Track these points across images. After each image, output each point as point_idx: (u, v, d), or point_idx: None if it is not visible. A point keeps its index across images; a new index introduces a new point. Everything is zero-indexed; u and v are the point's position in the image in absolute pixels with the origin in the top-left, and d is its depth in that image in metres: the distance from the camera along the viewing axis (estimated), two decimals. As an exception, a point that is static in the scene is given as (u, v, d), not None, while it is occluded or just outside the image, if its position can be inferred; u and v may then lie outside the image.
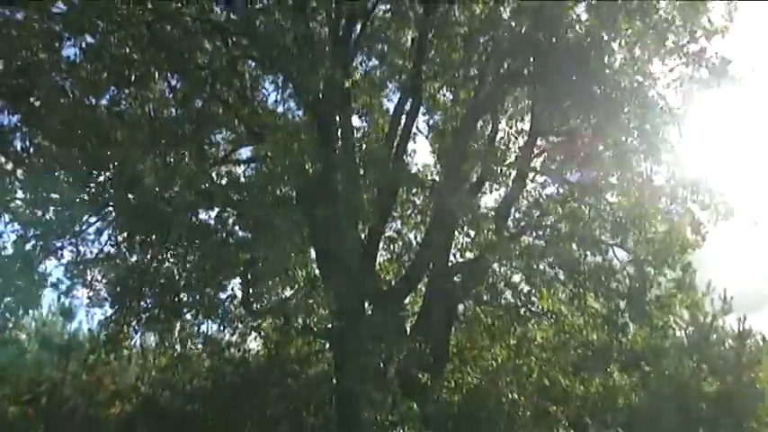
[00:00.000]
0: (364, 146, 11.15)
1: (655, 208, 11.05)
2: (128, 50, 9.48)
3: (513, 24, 10.59)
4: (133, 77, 9.34)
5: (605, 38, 10.02)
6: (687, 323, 14.58)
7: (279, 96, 11.21)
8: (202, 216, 10.71)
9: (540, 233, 11.99)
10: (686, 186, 10.93)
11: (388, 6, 11.26)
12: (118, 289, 11.03)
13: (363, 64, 11.71)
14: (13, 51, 9.16)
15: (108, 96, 9.61)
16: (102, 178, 9.89)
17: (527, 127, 11.85)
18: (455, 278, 11.59)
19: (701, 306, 13.66)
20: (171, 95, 10.32)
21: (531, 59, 10.54)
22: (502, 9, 10.63)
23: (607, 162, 10.91)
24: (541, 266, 11.65)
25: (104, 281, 11.15)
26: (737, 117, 12.00)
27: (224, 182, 10.74)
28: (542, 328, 12.22)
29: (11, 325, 10.66)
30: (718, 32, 10.65)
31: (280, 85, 11.01)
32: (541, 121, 11.49)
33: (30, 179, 9.89)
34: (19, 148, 9.78)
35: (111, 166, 9.56)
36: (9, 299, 9.70)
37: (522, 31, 10.44)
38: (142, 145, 9.09)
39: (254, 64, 11.00)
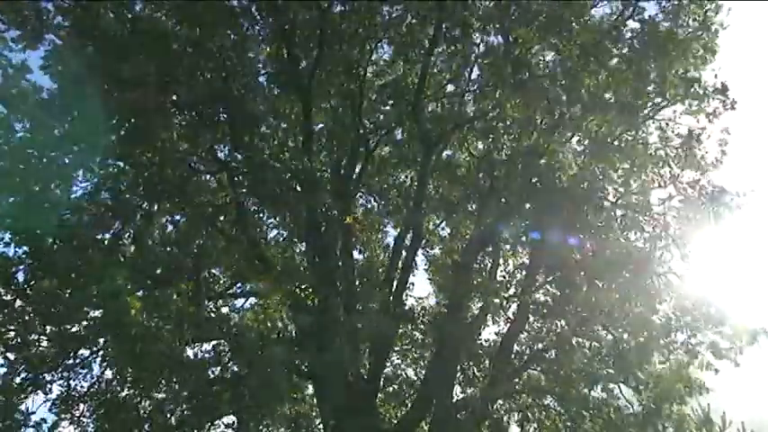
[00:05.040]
0: (364, 281, 11.12)
1: (658, 342, 10.78)
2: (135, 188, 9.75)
3: (509, 166, 10.92)
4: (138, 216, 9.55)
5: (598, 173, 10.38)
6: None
7: (279, 231, 11.33)
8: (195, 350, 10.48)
9: (544, 367, 11.66)
10: (695, 317, 10.69)
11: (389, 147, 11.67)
12: (106, 426, 10.61)
13: (364, 200, 11.97)
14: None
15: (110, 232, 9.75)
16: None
17: (527, 260, 11.87)
18: (458, 416, 11.14)
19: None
20: (173, 231, 10.46)
21: (528, 196, 10.78)
22: (499, 150, 10.99)
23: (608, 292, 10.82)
24: (546, 401, 11.25)
25: (93, 417, 10.76)
26: (739, 242, 11.98)
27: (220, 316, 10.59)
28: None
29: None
30: (711, 166, 11.07)
31: (280, 221, 11.16)
32: (541, 254, 11.51)
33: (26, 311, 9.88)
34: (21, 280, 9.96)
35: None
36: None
37: (519, 170, 10.75)
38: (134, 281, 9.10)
39: (255, 200, 11.22)
